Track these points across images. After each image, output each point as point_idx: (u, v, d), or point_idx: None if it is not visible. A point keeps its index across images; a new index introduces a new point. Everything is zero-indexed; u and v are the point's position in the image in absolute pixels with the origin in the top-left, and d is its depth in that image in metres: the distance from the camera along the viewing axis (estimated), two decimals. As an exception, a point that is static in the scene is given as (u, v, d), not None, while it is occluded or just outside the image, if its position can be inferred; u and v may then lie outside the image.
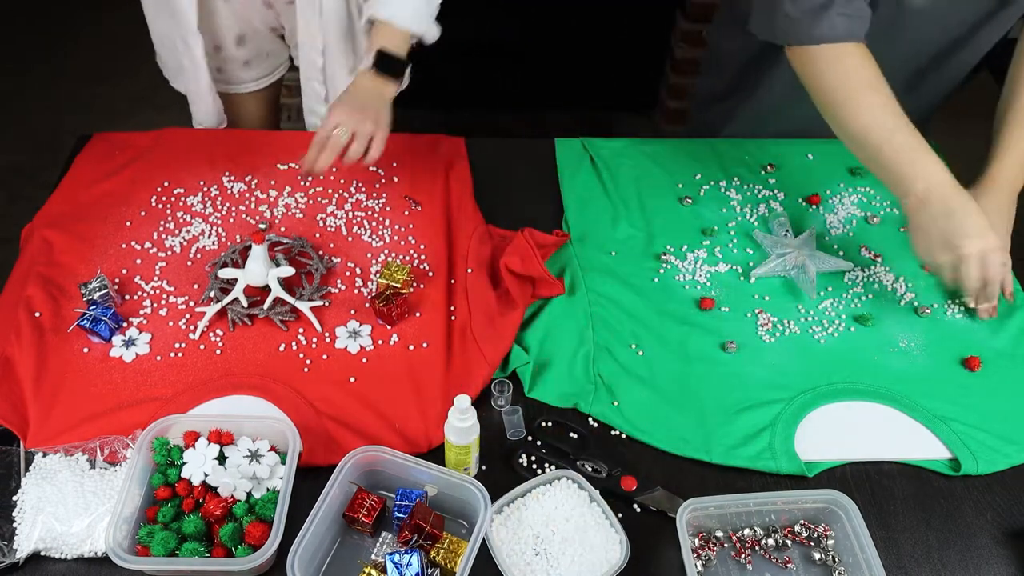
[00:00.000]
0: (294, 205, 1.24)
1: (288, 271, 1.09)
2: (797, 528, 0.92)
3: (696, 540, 0.90)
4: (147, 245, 1.17)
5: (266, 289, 1.08)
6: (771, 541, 0.91)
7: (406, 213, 1.24)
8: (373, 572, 0.83)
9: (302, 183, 1.27)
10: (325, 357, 1.05)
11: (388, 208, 1.25)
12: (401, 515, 0.88)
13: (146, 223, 1.20)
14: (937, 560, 0.91)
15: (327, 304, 1.11)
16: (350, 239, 1.20)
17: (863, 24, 1.08)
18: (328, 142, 1.10)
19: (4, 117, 2.64)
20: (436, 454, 0.96)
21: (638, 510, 0.94)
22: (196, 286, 1.12)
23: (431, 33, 1.19)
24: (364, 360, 1.05)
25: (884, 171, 1.04)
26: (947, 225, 0.99)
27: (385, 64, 1.14)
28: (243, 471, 0.89)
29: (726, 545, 0.91)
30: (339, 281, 1.14)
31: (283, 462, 0.91)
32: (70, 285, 1.10)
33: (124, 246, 1.17)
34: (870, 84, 1.05)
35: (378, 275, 1.13)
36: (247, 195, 1.25)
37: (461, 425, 0.88)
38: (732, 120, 1.43)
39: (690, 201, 1.28)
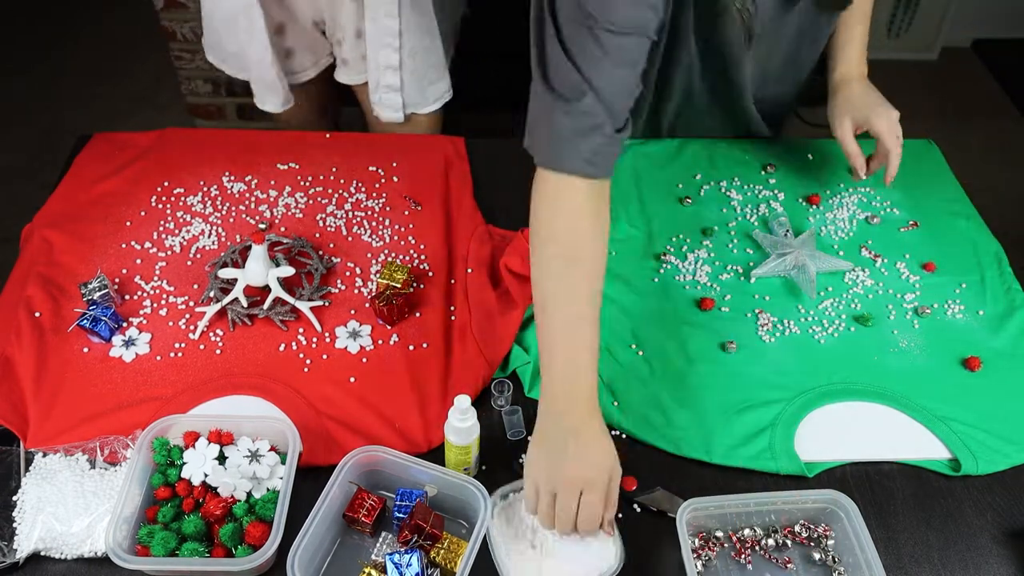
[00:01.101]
0: (294, 205, 1.24)
1: (288, 271, 1.09)
2: (797, 528, 0.92)
3: (696, 540, 0.90)
4: (147, 245, 1.17)
5: (266, 289, 1.08)
6: (771, 541, 0.91)
7: (406, 213, 1.24)
8: (373, 572, 0.83)
9: (308, 183, 1.27)
10: (325, 357, 1.05)
11: (388, 208, 1.25)
12: (401, 515, 0.88)
13: (146, 223, 1.20)
14: (937, 560, 0.91)
15: (327, 304, 1.11)
16: (350, 239, 1.20)
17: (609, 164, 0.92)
18: None
19: (4, 117, 2.64)
20: (436, 454, 0.96)
21: (638, 510, 0.93)
22: (196, 286, 1.12)
23: None
24: (364, 360, 1.05)
25: None
26: None
27: None
28: (243, 471, 0.89)
29: (726, 545, 0.91)
30: (339, 281, 1.14)
31: (283, 462, 0.91)
32: (70, 285, 1.10)
33: (124, 246, 1.17)
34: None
35: (378, 275, 1.13)
36: (247, 195, 1.25)
37: (461, 425, 0.88)
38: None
39: (690, 201, 1.28)
